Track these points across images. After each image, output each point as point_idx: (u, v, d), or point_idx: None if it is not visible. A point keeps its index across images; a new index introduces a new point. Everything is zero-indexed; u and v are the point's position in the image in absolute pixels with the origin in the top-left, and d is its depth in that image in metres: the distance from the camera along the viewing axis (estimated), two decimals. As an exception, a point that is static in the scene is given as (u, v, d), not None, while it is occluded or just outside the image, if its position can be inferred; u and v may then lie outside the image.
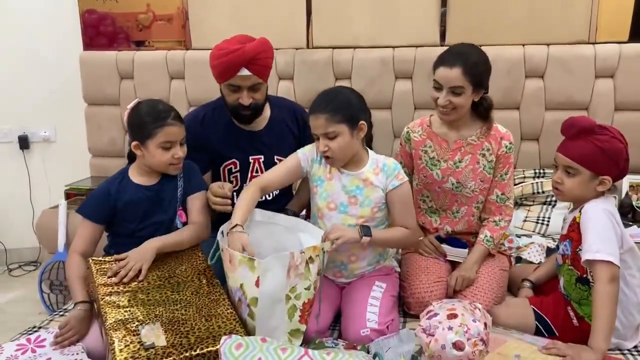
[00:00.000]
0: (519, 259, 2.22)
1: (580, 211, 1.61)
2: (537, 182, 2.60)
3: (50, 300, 2.73)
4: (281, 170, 1.82)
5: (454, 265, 1.95)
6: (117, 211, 1.76)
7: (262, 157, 2.04)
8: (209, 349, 1.38)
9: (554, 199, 2.58)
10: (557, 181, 1.66)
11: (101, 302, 1.51)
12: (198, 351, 1.37)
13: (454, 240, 1.97)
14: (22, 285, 3.15)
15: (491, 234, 1.91)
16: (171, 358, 1.34)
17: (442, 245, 1.96)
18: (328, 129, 1.65)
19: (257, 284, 1.50)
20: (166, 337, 1.40)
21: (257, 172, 2.04)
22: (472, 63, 1.78)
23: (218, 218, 1.86)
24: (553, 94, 2.68)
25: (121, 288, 1.57)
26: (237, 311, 1.55)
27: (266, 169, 1.97)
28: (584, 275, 1.61)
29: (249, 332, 1.51)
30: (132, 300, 1.53)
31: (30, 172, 3.33)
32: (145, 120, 1.72)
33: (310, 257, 1.57)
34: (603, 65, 2.62)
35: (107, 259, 1.68)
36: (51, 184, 3.28)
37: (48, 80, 3.22)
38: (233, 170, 2.04)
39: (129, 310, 1.49)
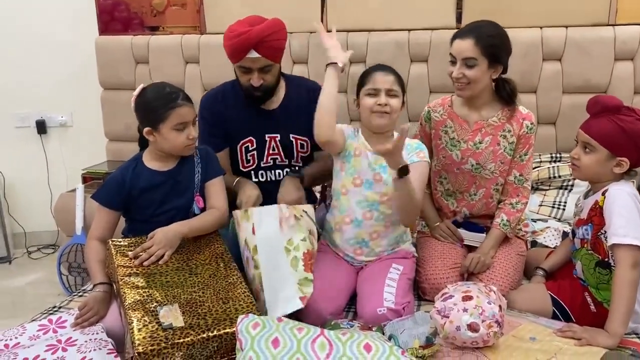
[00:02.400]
0: (534, 243, 2.21)
1: (603, 194, 1.59)
2: (553, 167, 2.58)
3: (69, 282, 2.78)
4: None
5: (470, 250, 1.94)
6: (133, 198, 1.76)
7: (278, 135, 2.03)
8: (225, 331, 1.40)
9: (570, 183, 2.56)
10: (573, 156, 1.66)
11: (120, 283, 1.54)
12: (215, 332, 1.39)
13: (471, 224, 1.96)
14: (41, 268, 3.21)
15: (508, 217, 1.90)
16: (189, 338, 1.36)
17: (458, 229, 1.96)
18: (394, 86, 1.73)
19: (253, 231, 1.64)
20: (184, 318, 1.42)
21: (273, 150, 2.04)
22: (485, 35, 1.78)
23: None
24: (571, 77, 2.64)
25: (140, 270, 1.59)
26: (248, 277, 1.64)
27: (283, 148, 2.02)
28: (605, 259, 1.59)
29: (257, 292, 1.60)
30: (150, 282, 1.55)
31: (47, 157, 3.38)
32: (155, 104, 1.70)
33: (295, 216, 1.70)
34: (623, 47, 2.57)
35: (126, 241, 1.70)
36: (68, 168, 3.32)
37: (65, 66, 3.25)
38: (250, 149, 2.04)
39: (148, 292, 1.51)
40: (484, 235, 1.92)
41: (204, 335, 1.38)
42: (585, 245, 1.66)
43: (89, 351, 1.44)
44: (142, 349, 1.32)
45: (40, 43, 3.22)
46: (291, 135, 2.04)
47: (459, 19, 2.71)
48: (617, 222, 1.51)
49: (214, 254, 1.70)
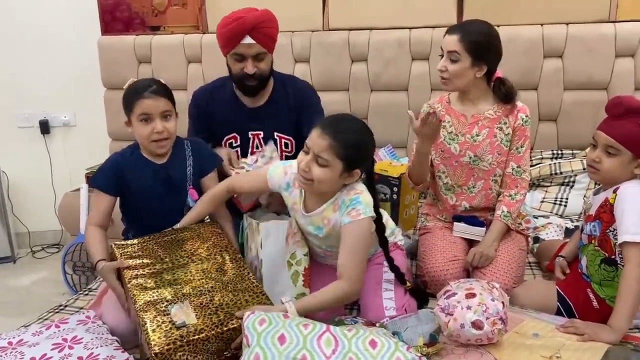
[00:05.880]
0: (537, 239, 2.22)
1: (614, 192, 1.59)
2: (555, 163, 2.59)
3: (74, 281, 2.80)
4: (251, 181, 1.79)
5: (471, 243, 1.96)
6: (127, 182, 1.79)
7: (262, 132, 2.05)
8: (239, 323, 1.40)
9: (571, 180, 2.57)
10: (595, 160, 1.62)
11: (129, 286, 1.53)
12: (229, 326, 1.40)
13: (471, 218, 1.97)
14: (45, 267, 3.23)
15: (508, 209, 1.91)
16: (203, 334, 1.36)
17: (459, 223, 1.97)
18: (324, 154, 1.48)
19: (261, 245, 1.67)
20: (196, 315, 1.42)
21: (257, 147, 2.06)
22: (471, 32, 1.82)
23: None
24: (572, 74, 2.65)
25: (146, 270, 1.59)
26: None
27: (266, 144, 2.02)
28: (612, 257, 1.60)
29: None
30: (158, 282, 1.55)
31: (51, 156, 3.39)
32: (128, 96, 1.76)
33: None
34: (624, 44, 2.58)
35: (128, 242, 1.70)
36: (72, 168, 3.34)
37: (68, 66, 3.26)
38: (234, 145, 2.07)
39: (157, 292, 1.51)
40: (484, 229, 1.94)
41: (218, 330, 1.38)
42: (593, 242, 1.66)
43: (96, 347, 1.46)
44: (159, 349, 1.32)
45: (43, 43, 3.24)
46: (275, 133, 2.05)
47: (460, 17, 2.71)
48: (629, 220, 1.51)
49: (217, 247, 1.69)
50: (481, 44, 1.82)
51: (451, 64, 1.83)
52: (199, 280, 1.57)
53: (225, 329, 1.40)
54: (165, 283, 1.55)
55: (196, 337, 1.36)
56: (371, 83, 2.82)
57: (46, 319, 1.74)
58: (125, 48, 3.01)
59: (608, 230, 1.60)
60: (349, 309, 1.78)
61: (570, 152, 2.64)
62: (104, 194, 1.79)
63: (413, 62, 2.77)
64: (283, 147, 2.07)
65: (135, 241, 1.71)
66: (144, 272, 1.59)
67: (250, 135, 2.06)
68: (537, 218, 2.40)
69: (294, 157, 2.01)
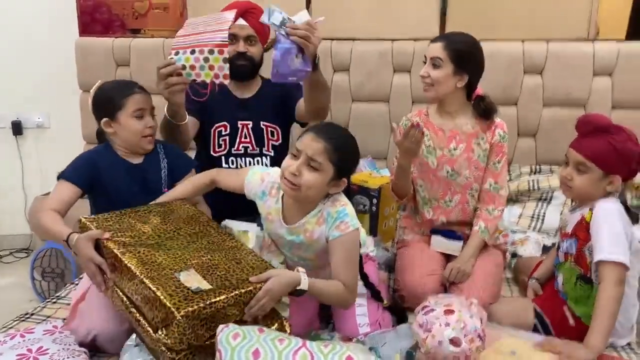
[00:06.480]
0: (514, 255, 2.22)
1: (590, 210, 1.60)
2: (533, 179, 2.61)
3: (42, 288, 2.73)
4: (233, 180, 1.74)
5: (448, 258, 1.96)
6: (102, 178, 1.74)
7: (251, 123, 2.16)
8: (254, 286, 1.36)
9: (549, 195, 2.59)
10: (567, 177, 1.63)
11: (119, 255, 1.38)
12: (245, 289, 1.34)
13: (449, 232, 1.97)
14: (13, 272, 3.14)
15: (485, 224, 1.92)
16: (223, 297, 1.29)
17: (437, 237, 1.97)
18: (318, 157, 1.45)
19: None
20: (207, 282, 1.34)
21: (245, 137, 2.16)
22: (454, 40, 1.85)
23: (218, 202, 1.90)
24: (551, 91, 2.68)
25: (133, 240, 1.46)
26: None
27: (254, 135, 2.16)
28: (588, 275, 1.60)
29: None
30: (152, 251, 1.42)
31: (23, 159, 3.31)
32: (112, 94, 1.76)
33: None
34: (601, 63, 2.62)
35: (99, 216, 1.58)
36: (44, 171, 3.26)
37: (43, 66, 3.19)
38: (223, 133, 2.16)
39: (155, 262, 1.38)
40: (461, 243, 1.94)
41: (237, 292, 1.32)
42: (569, 259, 1.66)
43: (63, 359, 1.40)
44: (184, 312, 1.22)
45: (17, 42, 3.16)
46: (262, 123, 2.16)
47: (442, 30, 2.73)
48: (604, 238, 1.52)
49: (199, 223, 1.61)
50: (464, 52, 1.83)
51: (433, 69, 1.84)
52: (193, 250, 1.46)
53: (242, 291, 1.33)
54: (159, 251, 1.42)
55: (217, 299, 1.28)
56: (352, 93, 2.82)
57: (11, 328, 1.68)
58: (103, 50, 2.96)
59: (584, 248, 1.60)
60: (325, 323, 1.75)
61: (549, 167, 2.66)
62: (71, 184, 1.71)
63: (395, 73, 2.78)
64: (269, 136, 2.18)
65: (108, 215, 1.58)
66: (132, 242, 1.45)
67: (239, 125, 2.16)
68: (514, 233, 2.40)
69: (280, 146, 2.16)
